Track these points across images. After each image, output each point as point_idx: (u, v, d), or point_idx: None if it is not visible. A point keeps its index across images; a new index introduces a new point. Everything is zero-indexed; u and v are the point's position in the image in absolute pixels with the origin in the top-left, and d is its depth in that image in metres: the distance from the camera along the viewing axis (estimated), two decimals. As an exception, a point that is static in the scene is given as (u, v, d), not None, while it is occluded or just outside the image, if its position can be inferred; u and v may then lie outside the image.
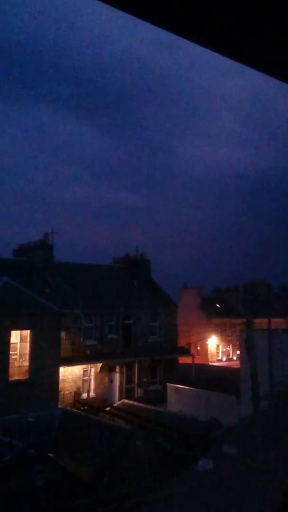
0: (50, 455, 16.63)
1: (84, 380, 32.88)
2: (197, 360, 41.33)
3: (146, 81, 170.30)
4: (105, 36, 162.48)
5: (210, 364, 48.18)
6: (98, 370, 33.64)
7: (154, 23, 1.29)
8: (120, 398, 32.82)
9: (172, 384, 32.43)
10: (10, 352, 26.00)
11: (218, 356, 53.37)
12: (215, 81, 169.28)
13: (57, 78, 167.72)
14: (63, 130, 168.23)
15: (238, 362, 32.85)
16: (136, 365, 35.83)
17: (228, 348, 54.13)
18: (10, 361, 25.99)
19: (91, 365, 33.29)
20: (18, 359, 26.61)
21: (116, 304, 35.82)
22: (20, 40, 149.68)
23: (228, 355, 53.77)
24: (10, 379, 25.72)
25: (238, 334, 33.01)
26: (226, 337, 53.06)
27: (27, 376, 26.39)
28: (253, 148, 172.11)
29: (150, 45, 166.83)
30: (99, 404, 30.55)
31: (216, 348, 53.57)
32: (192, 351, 41.97)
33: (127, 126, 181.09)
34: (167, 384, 33.11)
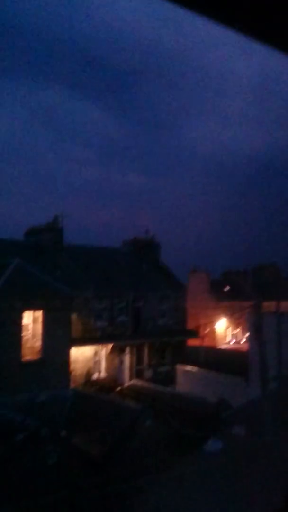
0: (62, 434, 16.96)
1: (95, 361, 33.30)
2: (206, 343, 41.57)
3: (155, 60, 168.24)
4: (112, 14, 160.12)
5: (219, 346, 48.46)
6: (109, 351, 34.01)
7: None
8: (130, 379, 33.22)
9: (181, 366, 32.75)
10: (23, 333, 26.36)
11: (227, 339, 53.63)
12: (224, 59, 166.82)
13: (65, 58, 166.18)
14: (71, 111, 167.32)
15: (246, 345, 33.02)
16: (146, 347, 36.18)
17: (237, 331, 54.35)
18: (23, 341, 26.37)
19: (102, 347, 33.66)
20: (30, 340, 26.99)
21: (126, 286, 36.02)
22: (28, 20, 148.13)
23: (237, 338, 54.00)
24: (23, 359, 26.13)
25: (246, 317, 33.12)
26: (235, 320, 53.24)
27: (39, 356, 26.80)
28: (263, 128, 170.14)
29: (158, 23, 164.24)
30: (109, 385, 30.97)
31: (224, 331, 53.81)
32: (201, 334, 42.21)
33: (136, 106, 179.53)
34: (177, 365, 33.44)
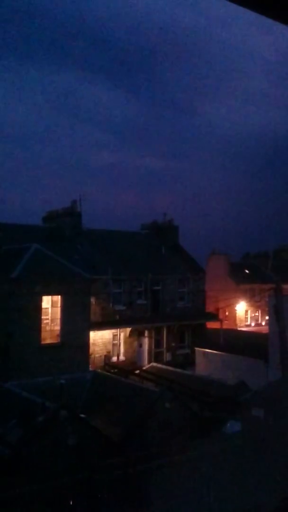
0: (82, 416, 17.13)
1: (114, 344, 33.51)
2: (225, 326, 41.46)
3: (172, 41, 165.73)
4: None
5: (239, 329, 48.34)
6: (128, 334, 34.17)
7: None
8: (149, 362, 33.37)
9: (200, 349, 32.76)
10: (42, 317, 26.60)
11: (247, 322, 53.44)
12: (244, 39, 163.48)
13: (82, 41, 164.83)
14: (89, 94, 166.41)
15: (266, 327, 32.83)
16: (165, 330, 36.24)
17: (257, 314, 54.09)
18: (42, 325, 26.62)
19: (121, 330, 33.83)
20: (49, 324, 27.23)
21: (144, 270, 36.00)
22: (43, 3, 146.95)
23: (257, 320, 53.77)
24: (42, 342, 26.41)
25: (267, 299, 32.87)
26: (254, 302, 52.96)
27: (59, 340, 27.04)
28: (285, 109, 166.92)
29: (175, 2, 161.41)
30: (128, 367, 31.16)
31: (244, 313, 53.60)
32: (220, 317, 42.06)
33: (153, 88, 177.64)
34: (195, 348, 33.46)
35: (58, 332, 27.25)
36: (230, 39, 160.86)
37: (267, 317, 37.23)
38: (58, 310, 27.29)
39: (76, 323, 27.56)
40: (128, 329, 34.17)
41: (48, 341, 26.85)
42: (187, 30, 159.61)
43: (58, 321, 27.28)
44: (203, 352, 32.22)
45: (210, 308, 42.77)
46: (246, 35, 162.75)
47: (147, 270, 36.09)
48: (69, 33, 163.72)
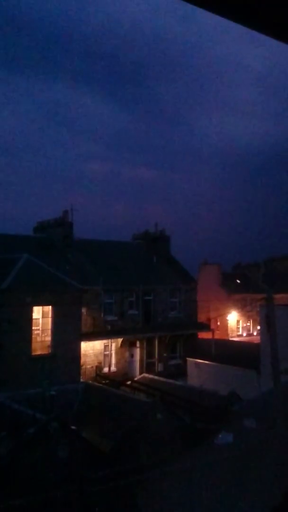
0: (73, 427, 16.99)
1: (105, 355, 33.35)
2: (217, 336, 41.46)
3: (163, 53, 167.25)
4: (120, 6, 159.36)
5: (230, 339, 48.32)
6: (119, 345, 34.04)
7: None
8: (141, 373, 33.24)
9: (192, 359, 32.68)
10: (33, 328, 26.44)
11: (238, 332, 53.43)
12: (234, 51, 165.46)
13: (73, 52, 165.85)
14: (80, 105, 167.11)
15: (258, 337, 32.85)
16: (156, 340, 36.14)
17: (249, 324, 54.11)
18: (33, 336, 26.45)
19: (112, 340, 33.69)
20: (40, 334, 27.07)
21: (136, 280, 35.98)
22: (34, 14, 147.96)
23: (249, 330, 53.79)
24: (33, 353, 26.23)
25: (258, 309, 32.93)
26: (246, 312, 53.03)
27: (49, 351, 26.87)
28: (274, 120, 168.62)
29: (165, 15, 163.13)
30: (120, 378, 31.01)
31: (236, 323, 53.61)
32: (212, 327, 42.10)
33: (144, 99, 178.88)
34: (187, 358, 33.38)
35: (49, 343, 27.09)
36: (220, 51, 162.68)
37: (258, 327, 37.29)
38: (49, 320, 27.16)
39: (67, 334, 27.42)
40: (120, 340, 34.05)
41: (39, 352, 26.67)
42: (178, 43, 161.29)
43: (49, 332, 27.14)
44: (195, 363, 32.14)
45: (201, 318, 42.77)
46: (235, 48, 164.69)
47: (138, 280, 36.06)
48: (61, 45, 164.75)
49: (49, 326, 27.12)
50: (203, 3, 1.32)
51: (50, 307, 27.17)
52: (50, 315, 27.18)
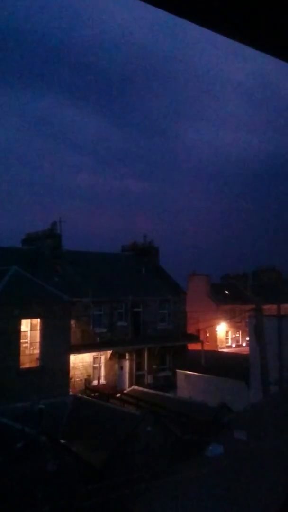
0: (62, 441, 16.82)
1: (94, 367, 33.13)
2: (207, 347, 41.39)
3: (150, 66, 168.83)
4: (106, 19, 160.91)
5: (220, 350, 48.30)
6: (108, 357, 33.85)
7: (155, 4, 1.27)
8: (130, 385, 33.04)
9: (182, 371, 32.58)
10: (21, 340, 26.22)
11: (228, 343, 53.47)
12: (218, 64, 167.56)
13: (61, 66, 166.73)
14: (67, 117, 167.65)
15: (247, 348, 32.88)
16: (146, 352, 36.00)
17: (238, 334, 54.20)
18: (21, 349, 26.23)
19: (101, 353, 33.49)
20: (28, 347, 26.85)
21: (125, 291, 35.90)
22: (20, 27, 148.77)
23: (238, 341, 53.85)
24: (21, 366, 25.99)
25: (247, 320, 33.00)
26: (235, 323, 53.13)
27: (38, 364, 26.64)
28: (260, 132, 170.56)
29: (153, 30, 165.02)
30: (109, 391, 30.79)
31: (225, 334, 53.66)
32: (201, 338, 42.02)
33: (131, 111, 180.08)
34: (177, 370, 33.27)
35: (37, 356, 26.87)
36: (208, 65, 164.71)
37: (247, 338, 37.36)
38: (37, 333, 26.96)
39: (56, 347, 27.22)
40: (109, 352, 33.87)
41: (27, 365, 26.43)
42: (167, 56, 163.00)
43: (38, 345, 26.93)
44: (184, 374, 32.03)
45: (191, 329, 42.73)
46: (223, 61, 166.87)
47: (127, 292, 35.99)
48: (49, 57, 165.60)
49: (38, 339, 26.92)
50: (199, 19, 1.33)
51: (38, 319, 26.99)
52: (38, 327, 26.99)
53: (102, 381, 33.27)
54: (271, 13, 1.31)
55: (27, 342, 26.74)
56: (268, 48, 1.45)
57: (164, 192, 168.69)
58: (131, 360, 35.20)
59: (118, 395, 28.97)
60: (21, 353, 26.21)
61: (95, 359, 33.21)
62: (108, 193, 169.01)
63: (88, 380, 32.10)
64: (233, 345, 53.01)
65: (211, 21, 1.33)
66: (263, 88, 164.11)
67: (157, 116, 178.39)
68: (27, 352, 26.74)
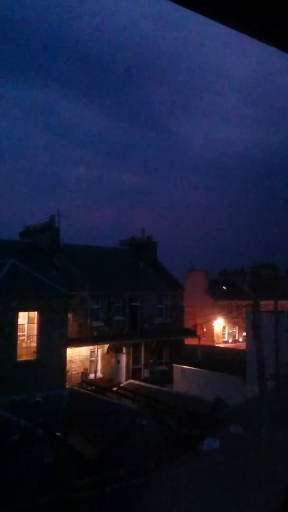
0: (58, 434, 16.84)
1: (91, 361, 33.17)
2: (203, 342, 41.51)
3: (150, 60, 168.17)
4: (108, 12, 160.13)
5: (216, 345, 48.41)
6: (105, 351, 33.89)
7: None
8: (127, 379, 33.11)
9: (178, 365, 32.64)
10: (18, 333, 26.21)
11: (224, 338, 53.58)
12: (219, 58, 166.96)
13: (59, 57, 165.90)
14: (66, 110, 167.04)
15: (244, 344, 32.95)
16: (143, 346, 36.07)
17: (234, 330, 54.30)
18: (18, 342, 26.22)
19: (98, 346, 33.54)
20: (25, 340, 26.84)
21: (122, 286, 35.90)
22: (21, 18, 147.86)
23: (234, 336, 53.97)
24: (18, 359, 25.99)
25: (244, 316, 33.05)
26: (232, 319, 53.23)
27: (35, 357, 26.65)
28: (260, 127, 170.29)
29: (153, 22, 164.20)
30: (106, 384, 30.85)
31: (222, 329, 53.76)
32: (198, 333, 42.14)
33: (131, 105, 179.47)
34: (173, 365, 33.34)
35: (34, 349, 26.87)
36: (208, 59, 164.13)
37: (244, 334, 37.42)
38: (34, 326, 26.95)
39: (53, 340, 27.22)
40: (106, 346, 33.91)
41: (24, 358, 26.43)
42: (166, 50, 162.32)
43: (35, 338, 26.92)
44: (181, 369, 32.10)
45: (188, 324, 42.79)
46: (222, 55, 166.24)
47: (125, 286, 35.99)
48: (48, 49, 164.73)
49: (35, 332, 26.91)
50: (202, 8, 1.30)
51: (36, 312, 26.97)
52: (36, 320, 26.97)
53: (99, 374, 33.34)
54: (274, 3, 1.28)
55: (24, 335, 26.73)
56: (271, 39, 1.42)
57: (162, 187, 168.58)
58: (128, 354, 35.26)
59: (115, 388, 29.03)
60: (18, 346, 26.20)
61: (92, 352, 33.25)
62: (106, 187, 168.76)
63: (84, 374, 32.15)
64: (230, 341, 53.12)
65: (214, 10, 1.30)
66: (263, 83, 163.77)
67: (156, 110, 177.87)
68: (24, 345, 26.74)
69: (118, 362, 34.88)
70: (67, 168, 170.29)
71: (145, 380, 32.58)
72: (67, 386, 26.74)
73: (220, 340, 52.44)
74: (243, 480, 14.04)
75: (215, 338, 52.01)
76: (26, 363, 26.10)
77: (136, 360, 35.90)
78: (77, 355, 31.85)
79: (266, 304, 31.79)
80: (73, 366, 31.18)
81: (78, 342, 31.60)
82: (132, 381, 30.86)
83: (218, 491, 13.90)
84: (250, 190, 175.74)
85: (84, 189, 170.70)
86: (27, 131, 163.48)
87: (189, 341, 39.80)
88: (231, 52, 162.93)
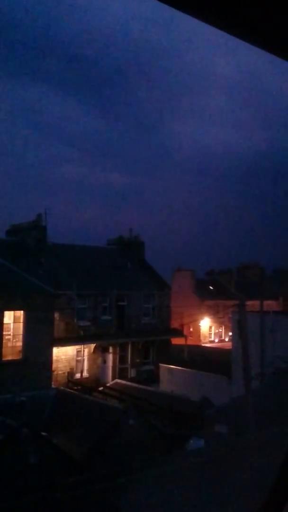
0: (43, 434, 16.79)
1: (77, 361, 33.08)
2: (190, 341, 41.63)
3: (139, 59, 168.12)
4: (97, 12, 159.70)
5: (203, 345, 48.57)
6: (92, 350, 33.83)
7: None
8: (113, 378, 33.09)
9: (165, 365, 32.71)
10: (4, 333, 26.05)
11: (211, 337, 53.78)
12: (206, 59, 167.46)
13: (48, 55, 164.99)
14: (54, 108, 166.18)
15: (230, 343, 33.11)
16: (129, 346, 36.06)
17: (221, 330, 54.52)
18: (4, 341, 26.07)
19: (85, 346, 33.46)
20: (11, 339, 26.70)
21: (109, 285, 35.86)
22: (10, 16, 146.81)
23: (220, 336, 54.19)
24: (4, 359, 25.84)
25: (230, 315, 33.22)
26: (218, 318, 53.43)
27: (21, 356, 26.52)
28: (246, 129, 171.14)
29: (142, 23, 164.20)
30: (92, 384, 30.81)
31: (208, 329, 53.95)
32: (185, 332, 42.27)
33: (119, 105, 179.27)
34: (160, 364, 33.41)
35: (20, 348, 26.73)
36: (194, 59, 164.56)
37: (230, 333, 37.60)
38: (20, 325, 26.81)
39: (39, 339, 27.10)
40: (93, 345, 33.84)
41: (9, 357, 26.28)
42: (153, 49, 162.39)
43: (21, 337, 26.79)
44: (167, 368, 32.17)
45: (175, 324, 42.89)
46: (209, 56, 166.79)
47: (112, 286, 35.96)
48: (35, 47, 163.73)
49: (21, 331, 26.78)
50: (194, 11, 1.29)
51: (22, 312, 26.83)
52: (22, 320, 26.84)
53: (85, 374, 33.26)
54: (265, 5, 1.28)
55: (10, 334, 26.58)
56: (263, 43, 1.42)
57: (151, 187, 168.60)
58: (114, 353, 35.24)
59: (101, 388, 29.01)
60: (4, 345, 26.06)
61: (78, 352, 33.17)
62: (94, 186, 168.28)
63: (71, 373, 32.06)
64: (216, 340, 53.33)
65: (206, 13, 1.28)
66: (250, 85, 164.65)
67: (144, 110, 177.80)
68: (9, 344, 26.59)
69: (104, 361, 34.84)
70: (55, 167, 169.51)
71: (132, 379, 32.58)
72: (53, 386, 26.64)
73: (207, 340, 52.62)
74: (228, 479, 14.12)
75: (202, 337, 52.17)
76: (12, 362, 25.96)
77: (122, 359, 35.89)
78: (63, 355, 31.74)
79: (252, 304, 31.98)
80: (59, 365, 31.07)
81: (64, 341, 31.49)
82: (118, 380, 30.87)
83: (204, 490, 13.97)
84: (238, 190, 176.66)
85: (73, 188, 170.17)
86: (15, 129, 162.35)
87: (176, 340, 39.90)
88: (219, 53, 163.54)
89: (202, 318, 51.72)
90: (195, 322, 50.47)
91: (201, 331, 52.70)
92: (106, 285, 35.80)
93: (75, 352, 32.90)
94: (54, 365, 29.30)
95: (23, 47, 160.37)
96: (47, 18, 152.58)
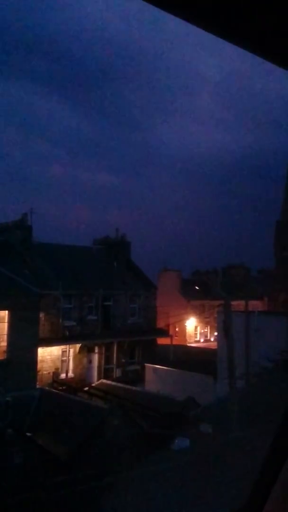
0: (28, 434, 16.73)
1: (62, 361, 32.97)
2: (176, 341, 41.74)
3: (125, 59, 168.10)
4: (82, 10, 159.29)
5: (188, 345, 48.74)
6: (77, 350, 33.74)
7: None
8: (99, 378, 33.04)
9: (150, 365, 32.75)
10: (-12, 333, 25.85)
11: (196, 337, 54.01)
12: (194, 60, 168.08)
13: (33, 53, 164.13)
14: (40, 107, 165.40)
15: (215, 343, 33.27)
16: (115, 346, 36.04)
17: (206, 330, 54.78)
18: (-12, 341, 25.86)
19: (70, 346, 33.36)
20: (-4, 340, 26.49)
21: (95, 285, 35.80)
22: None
23: (206, 336, 54.44)
24: (-12, 359, 25.63)
25: (216, 315, 33.39)
26: (204, 318, 53.69)
27: (5, 356, 26.32)
28: (232, 130, 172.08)
29: (127, 22, 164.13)
30: (77, 384, 30.72)
31: (194, 329, 54.17)
32: (171, 332, 42.37)
33: (106, 105, 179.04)
34: (145, 364, 33.43)
35: (4, 348, 26.53)
36: (181, 60, 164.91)
37: (216, 333, 37.78)
38: (5, 325, 26.62)
39: (24, 339, 26.93)
40: (78, 345, 33.75)
41: (-6, 357, 26.09)
42: (141, 49, 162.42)
43: (5, 337, 26.59)
44: (153, 368, 32.21)
45: (161, 324, 42.96)
46: (196, 57, 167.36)
47: (98, 286, 35.90)
48: (20, 45, 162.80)
49: (5, 331, 26.59)
50: (184, 14, 1.25)
51: (6, 311, 26.65)
52: (6, 320, 26.64)
53: (70, 374, 33.16)
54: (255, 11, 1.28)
55: (-6, 334, 26.38)
56: (254, 47, 1.41)
57: (137, 186, 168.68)
58: (100, 353, 35.19)
59: (86, 388, 28.94)
60: (-12, 346, 25.85)
61: (63, 352, 33.05)
62: (81, 186, 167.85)
63: (56, 374, 31.93)
64: (202, 340, 53.57)
65: (201, 18, 1.26)
66: (236, 86, 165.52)
67: (131, 110, 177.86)
68: (-6, 344, 26.39)
69: (90, 361, 34.77)
70: (41, 166, 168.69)
71: (117, 379, 32.56)
72: (38, 386, 26.50)
73: (192, 340, 52.84)
74: (212, 478, 14.19)
75: (187, 337, 52.37)
76: (-4, 362, 25.76)
77: (108, 359, 35.86)
78: (48, 355, 31.61)
79: (238, 304, 32.18)
80: (44, 365, 30.93)
81: (49, 341, 31.36)
82: (104, 380, 30.83)
83: (188, 489, 14.02)
84: (224, 191, 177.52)
85: (58, 187, 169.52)
86: None
87: (162, 340, 39.97)
88: (205, 54, 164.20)
89: (188, 318, 51.91)
90: (181, 322, 50.62)
91: (187, 331, 52.90)
92: (92, 285, 35.73)
93: (60, 352, 32.79)
94: (39, 365, 29.16)
95: (5, 45, 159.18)
96: (32, 16, 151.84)
